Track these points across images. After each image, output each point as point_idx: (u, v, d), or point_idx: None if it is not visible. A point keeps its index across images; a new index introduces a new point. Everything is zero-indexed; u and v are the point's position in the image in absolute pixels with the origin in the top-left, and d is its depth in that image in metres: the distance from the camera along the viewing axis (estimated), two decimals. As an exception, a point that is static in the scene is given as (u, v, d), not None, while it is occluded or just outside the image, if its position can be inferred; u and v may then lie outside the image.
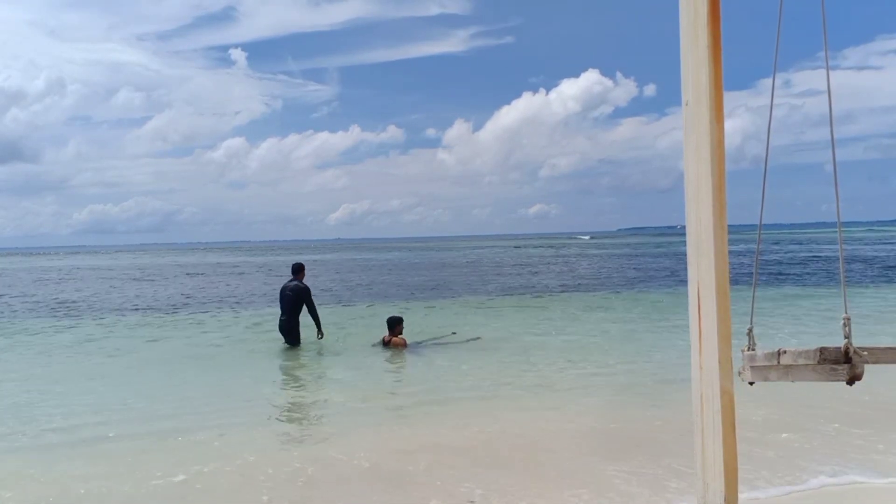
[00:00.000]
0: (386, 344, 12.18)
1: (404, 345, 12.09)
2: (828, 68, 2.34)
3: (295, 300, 12.26)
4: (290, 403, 8.91)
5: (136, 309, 21.12)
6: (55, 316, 19.53)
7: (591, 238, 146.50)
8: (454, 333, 13.16)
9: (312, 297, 12.39)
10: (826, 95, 2.32)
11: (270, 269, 42.77)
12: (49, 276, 41.49)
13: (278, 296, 12.70)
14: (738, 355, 2.48)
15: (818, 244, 59.99)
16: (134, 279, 37.40)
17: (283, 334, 12.48)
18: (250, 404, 8.55)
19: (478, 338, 13.04)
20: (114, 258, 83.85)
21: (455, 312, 18.11)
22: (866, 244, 55.35)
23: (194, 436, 7.00)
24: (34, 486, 5.67)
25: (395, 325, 12.33)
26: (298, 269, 12.55)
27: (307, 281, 12.68)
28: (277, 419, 8.04)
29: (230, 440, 6.84)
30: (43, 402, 8.62)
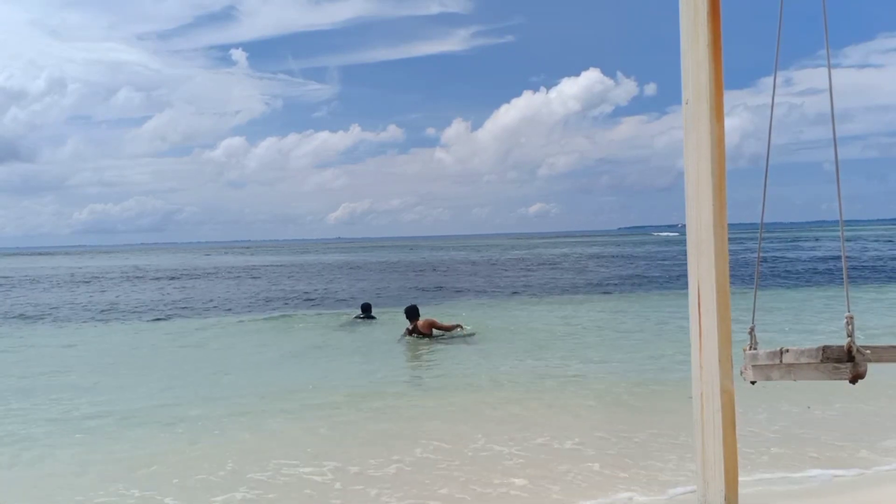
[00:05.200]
0: (412, 332, 12.48)
1: (433, 325, 12.56)
2: (829, 67, 2.34)
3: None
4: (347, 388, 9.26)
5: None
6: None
7: (680, 234, 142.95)
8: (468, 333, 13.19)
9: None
10: (826, 94, 2.32)
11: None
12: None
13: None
14: (739, 354, 2.48)
15: (818, 242, 60.03)
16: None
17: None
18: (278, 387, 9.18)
19: (472, 334, 13.07)
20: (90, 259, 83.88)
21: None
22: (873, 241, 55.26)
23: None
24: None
25: (416, 313, 12.65)
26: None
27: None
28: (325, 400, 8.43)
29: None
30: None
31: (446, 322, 12.99)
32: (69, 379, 10.22)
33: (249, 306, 21.55)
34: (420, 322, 12.58)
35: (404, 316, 12.94)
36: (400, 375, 10.32)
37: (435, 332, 12.60)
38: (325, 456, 6.16)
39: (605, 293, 22.98)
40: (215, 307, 21.38)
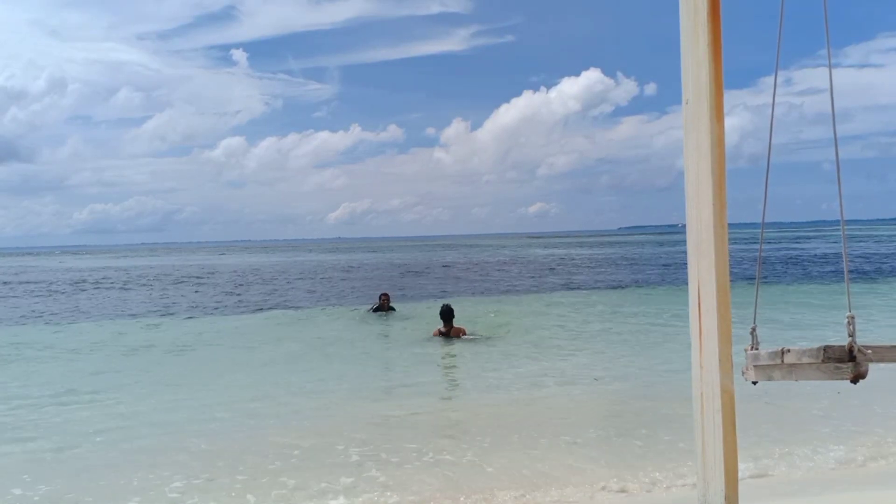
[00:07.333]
0: (445, 334, 12.64)
1: (464, 332, 12.77)
2: (830, 66, 2.34)
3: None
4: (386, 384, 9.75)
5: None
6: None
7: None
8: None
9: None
10: (826, 94, 2.31)
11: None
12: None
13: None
14: (741, 354, 2.48)
15: (818, 242, 59.94)
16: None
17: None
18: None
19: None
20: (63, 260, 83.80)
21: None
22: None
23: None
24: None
25: (451, 315, 12.75)
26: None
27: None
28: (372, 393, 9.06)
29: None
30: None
31: (478, 332, 13.22)
32: (119, 377, 10.54)
33: (273, 303, 21.81)
34: (453, 331, 12.68)
35: (440, 315, 12.94)
36: (431, 377, 10.39)
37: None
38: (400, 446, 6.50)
39: (604, 289, 23.18)
40: (240, 304, 21.60)
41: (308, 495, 5.35)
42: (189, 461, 6.20)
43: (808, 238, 74.93)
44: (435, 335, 12.81)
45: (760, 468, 5.66)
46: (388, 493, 5.32)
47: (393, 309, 16.38)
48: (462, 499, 5.20)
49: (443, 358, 11.54)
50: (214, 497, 5.37)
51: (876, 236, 68.81)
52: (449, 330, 12.66)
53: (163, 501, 5.34)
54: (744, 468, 5.52)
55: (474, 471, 5.79)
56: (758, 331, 2.61)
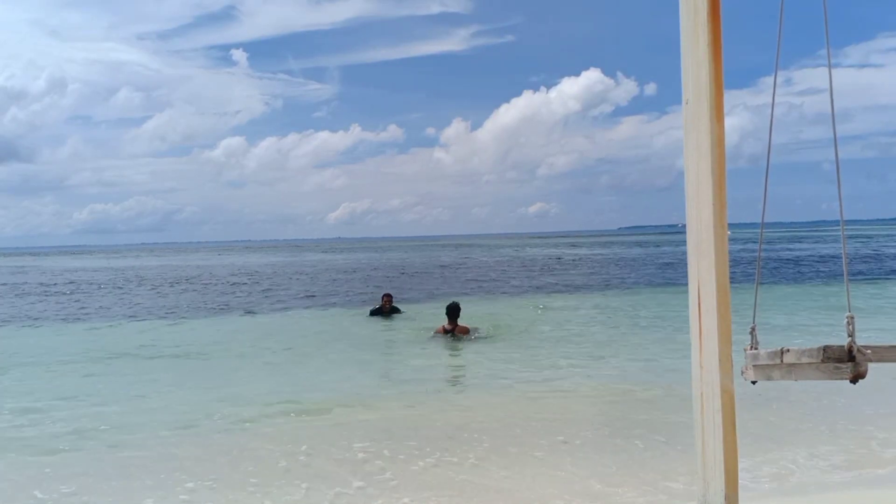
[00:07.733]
0: (449, 332, 12.62)
1: (468, 331, 12.75)
2: (830, 66, 2.34)
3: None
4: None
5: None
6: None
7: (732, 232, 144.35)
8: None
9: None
10: (826, 94, 2.31)
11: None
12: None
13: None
14: (740, 353, 2.48)
15: (818, 242, 59.93)
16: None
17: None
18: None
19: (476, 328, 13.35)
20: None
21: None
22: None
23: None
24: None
25: (457, 312, 12.71)
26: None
27: None
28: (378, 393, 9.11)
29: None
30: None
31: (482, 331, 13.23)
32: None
33: (272, 303, 21.84)
34: (458, 329, 12.65)
35: (445, 312, 12.87)
36: (434, 377, 10.34)
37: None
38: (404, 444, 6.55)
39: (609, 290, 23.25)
40: (239, 305, 21.64)
41: (322, 499, 5.34)
42: (194, 462, 6.20)
43: (808, 238, 74.91)
44: (438, 332, 12.76)
45: (761, 470, 5.66)
46: (401, 498, 5.31)
47: (398, 310, 16.22)
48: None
49: (446, 358, 11.54)
50: (227, 498, 5.37)
51: (876, 236, 68.85)
52: (454, 328, 12.62)
53: (175, 502, 5.34)
54: (759, 473, 5.52)
55: (479, 473, 5.78)
56: (756, 331, 2.61)
